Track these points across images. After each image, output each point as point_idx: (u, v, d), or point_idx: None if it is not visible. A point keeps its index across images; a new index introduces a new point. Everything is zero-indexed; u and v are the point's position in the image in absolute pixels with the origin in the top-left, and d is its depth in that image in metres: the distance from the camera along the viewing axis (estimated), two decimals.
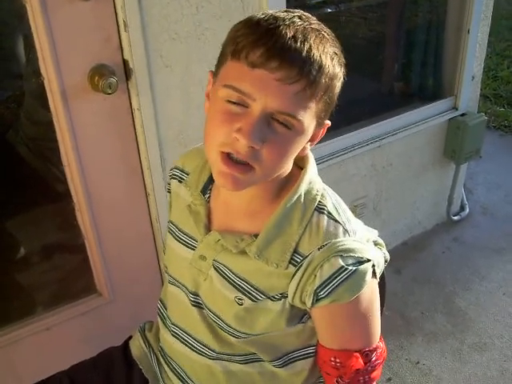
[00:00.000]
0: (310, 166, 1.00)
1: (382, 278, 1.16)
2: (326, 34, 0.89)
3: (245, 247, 0.97)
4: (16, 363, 1.89)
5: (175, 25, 1.66)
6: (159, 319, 1.23)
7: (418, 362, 2.22)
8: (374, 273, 0.95)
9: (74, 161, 1.68)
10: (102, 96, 1.59)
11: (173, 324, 1.15)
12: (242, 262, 0.98)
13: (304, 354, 1.08)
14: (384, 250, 1.03)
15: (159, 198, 1.84)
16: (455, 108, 2.68)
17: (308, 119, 0.88)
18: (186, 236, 1.09)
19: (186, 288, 1.09)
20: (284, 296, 0.96)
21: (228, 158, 0.88)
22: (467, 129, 2.64)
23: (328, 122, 0.96)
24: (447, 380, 2.14)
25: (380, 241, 1.04)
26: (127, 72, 1.63)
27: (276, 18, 0.86)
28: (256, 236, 0.97)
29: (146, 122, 1.71)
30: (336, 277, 0.90)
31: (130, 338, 1.33)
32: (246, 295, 0.98)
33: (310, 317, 1.02)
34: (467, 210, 3.07)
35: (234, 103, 0.86)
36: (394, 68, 2.81)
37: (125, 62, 1.62)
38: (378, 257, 0.98)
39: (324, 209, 0.96)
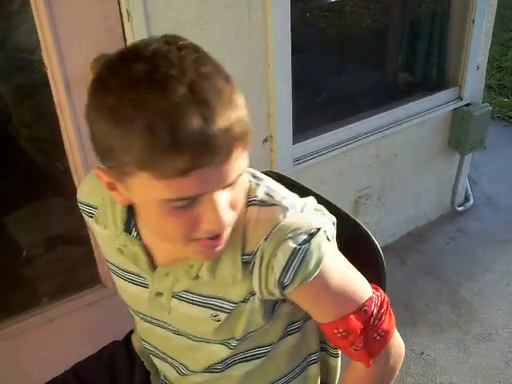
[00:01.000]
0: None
1: (382, 266, 1.13)
2: (209, 70, 0.75)
3: (197, 272, 0.93)
4: (20, 354, 1.89)
5: (179, 14, 1.65)
6: (153, 357, 1.20)
7: (422, 353, 2.22)
8: (327, 238, 0.90)
9: (77, 151, 1.67)
10: None
11: (170, 357, 1.11)
12: (202, 283, 0.94)
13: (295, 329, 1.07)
14: (326, 212, 0.96)
15: None
16: (460, 98, 2.66)
17: (245, 160, 0.80)
18: (132, 275, 1.02)
19: (157, 320, 1.05)
20: (253, 294, 0.93)
21: (205, 239, 0.82)
22: (472, 119, 2.63)
23: None
24: (452, 370, 2.14)
25: (320, 206, 0.96)
26: None
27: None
28: None
29: None
30: (293, 260, 0.86)
31: (132, 331, 1.33)
32: (219, 310, 0.95)
33: (281, 302, 0.99)
34: (471, 201, 3.06)
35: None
36: (398, 58, 2.79)
37: None
38: (325, 222, 0.91)
39: (254, 200, 0.91)
